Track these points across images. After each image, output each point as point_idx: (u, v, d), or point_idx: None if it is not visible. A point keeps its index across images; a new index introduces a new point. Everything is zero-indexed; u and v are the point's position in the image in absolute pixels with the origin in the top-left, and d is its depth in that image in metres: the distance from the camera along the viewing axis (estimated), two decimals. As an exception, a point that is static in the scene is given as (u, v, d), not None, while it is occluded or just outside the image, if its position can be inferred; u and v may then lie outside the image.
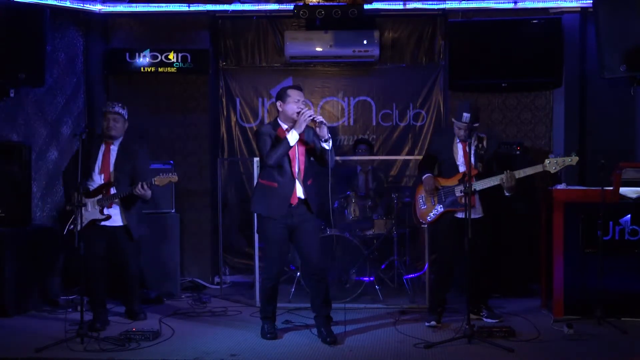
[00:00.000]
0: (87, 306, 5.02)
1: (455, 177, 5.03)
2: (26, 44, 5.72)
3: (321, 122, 4.56)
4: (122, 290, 5.46)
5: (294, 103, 4.65)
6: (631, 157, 6.12)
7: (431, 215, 5.12)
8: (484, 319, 5.17)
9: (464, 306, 4.68)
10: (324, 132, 4.58)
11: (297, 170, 4.67)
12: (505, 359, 4.26)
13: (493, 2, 6.65)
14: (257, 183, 4.88)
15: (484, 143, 4.89)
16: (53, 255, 5.98)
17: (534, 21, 6.43)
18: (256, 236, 5.83)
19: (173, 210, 6.35)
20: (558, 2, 6.53)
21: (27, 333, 4.95)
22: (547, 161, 4.75)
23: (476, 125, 4.90)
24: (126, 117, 5.23)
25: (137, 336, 4.61)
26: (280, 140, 4.60)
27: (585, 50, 6.50)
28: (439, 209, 5.08)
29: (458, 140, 5.07)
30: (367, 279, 5.93)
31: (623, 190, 5.21)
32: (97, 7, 6.75)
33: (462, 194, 4.85)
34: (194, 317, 5.45)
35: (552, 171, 4.79)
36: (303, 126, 4.58)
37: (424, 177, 5.13)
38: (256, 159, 6.04)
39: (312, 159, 4.80)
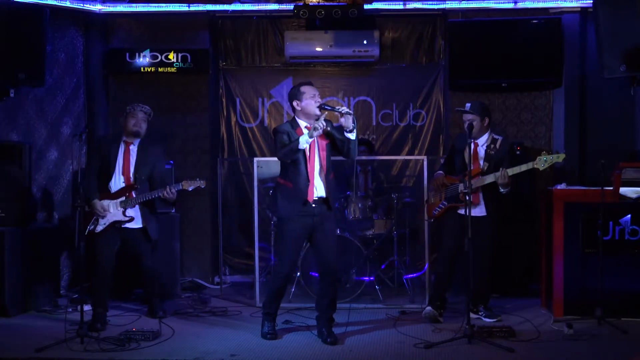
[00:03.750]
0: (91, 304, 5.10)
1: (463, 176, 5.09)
2: (26, 44, 5.72)
3: (346, 113, 4.48)
4: (143, 290, 5.63)
5: (310, 99, 4.60)
6: (631, 157, 6.12)
7: (436, 209, 5.26)
8: (483, 319, 5.17)
9: (464, 306, 4.68)
10: (349, 123, 4.50)
11: (316, 168, 4.61)
12: (505, 359, 4.26)
13: (493, 2, 6.65)
14: (277, 183, 4.80)
15: (497, 144, 5.09)
16: (53, 255, 5.98)
17: (534, 21, 6.43)
18: (256, 236, 5.84)
19: (173, 210, 6.34)
20: (558, 2, 6.53)
21: (27, 333, 4.95)
22: (537, 159, 4.84)
23: (473, 113, 5.04)
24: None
25: (137, 336, 4.61)
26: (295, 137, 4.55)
27: (585, 50, 6.50)
28: (443, 204, 5.20)
29: (472, 141, 5.11)
30: (367, 279, 5.93)
31: (623, 190, 5.21)
32: (97, 7, 6.75)
33: (462, 191, 4.94)
34: (194, 317, 5.45)
35: (541, 168, 4.88)
36: (314, 135, 4.49)
37: (435, 175, 5.35)
38: (256, 159, 6.08)
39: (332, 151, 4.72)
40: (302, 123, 4.66)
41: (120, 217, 5.10)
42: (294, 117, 4.73)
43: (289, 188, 4.63)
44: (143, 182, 5.20)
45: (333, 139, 4.68)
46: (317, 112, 4.60)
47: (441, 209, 5.22)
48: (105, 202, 5.09)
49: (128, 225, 5.14)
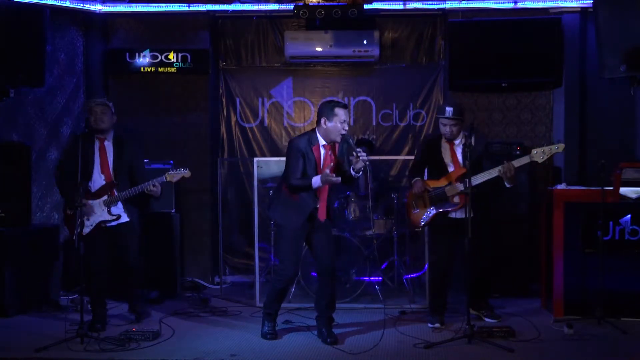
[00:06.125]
0: (88, 306, 5.06)
1: (445, 178, 5.04)
2: (26, 44, 5.72)
3: (362, 159, 4.47)
4: (124, 287, 5.38)
5: (339, 123, 4.57)
6: (631, 157, 6.12)
7: (424, 218, 5.13)
8: (484, 319, 5.17)
9: (464, 306, 4.68)
10: (359, 166, 4.51)
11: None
12: (505, 359, 4.26)
13: (493, 2, 6.65)
14: (281, 190, 4.79)
15: (471, 140, 4.95)
16: (53, 255, 5.98)
17: (534, 21, 6.43)
18: (256, 236, 5.84)
19: (173, 210, 6.35)
20: (558, 2, 6.54)
21: (27, 333, 4.96)
22: (534, 151, 4.82)
23: (460, 118, 5.02)
24: (113, 110, 5.14)
25: (137, 336, 4.62)
26: (308, 176, 4.57)
27: (585, 50, 6.50)
28: (431, 211, 5.09)
29: (445, 141, 5.11)
30: (367, 279, 5.93)
31: (623, 190, 5.21)
32: (97, 7, 6.76)
33: (453, 193, 4.93)
34: (194, 317, 5.45)
35: (540, 160, 4.83)
36: (325, 185, 4.57)
37: (413, 181, 5.18)
38: (256, 159, 6.08)
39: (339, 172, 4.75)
40: (322, 141, 4.65)
41: (106, 217, 5.00)
42: (314, 130, 4.71)
43: (294, 201, 4.64)
44: (123, 179, 5.05)
45: (342, 162, 4.73)
46: (339, 139, 4.62)
47: (430, 216, 5.11)
48: (89, 202, 4.97)
49: (114, 222, 5.05)
